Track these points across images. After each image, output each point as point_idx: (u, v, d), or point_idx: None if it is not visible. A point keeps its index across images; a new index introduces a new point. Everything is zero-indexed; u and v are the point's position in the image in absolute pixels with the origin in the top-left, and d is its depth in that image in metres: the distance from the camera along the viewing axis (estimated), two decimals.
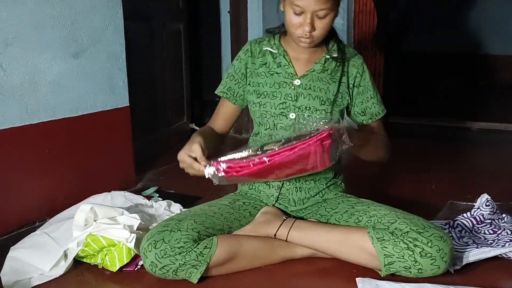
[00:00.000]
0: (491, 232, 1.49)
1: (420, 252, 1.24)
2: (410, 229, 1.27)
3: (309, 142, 1.25)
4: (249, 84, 1.52)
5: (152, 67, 2.70)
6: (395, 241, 1.27)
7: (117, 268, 1.37)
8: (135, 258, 1.41)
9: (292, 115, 1.47)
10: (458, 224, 1.53)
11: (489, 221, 1.54)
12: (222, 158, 1.30)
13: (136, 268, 1.41)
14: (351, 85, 1.51)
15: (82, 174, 1.91)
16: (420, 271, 1.25)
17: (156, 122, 2.80)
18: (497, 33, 5.00)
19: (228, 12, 3.13)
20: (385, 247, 1.27)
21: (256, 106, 1.50)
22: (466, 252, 1.34)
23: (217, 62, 3.44)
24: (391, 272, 1.28)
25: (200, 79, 3.52)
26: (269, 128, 1.50)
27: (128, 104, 2.10)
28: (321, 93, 1.46)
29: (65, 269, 1.36)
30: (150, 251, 1.27)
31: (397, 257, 1.26)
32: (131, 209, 1.55)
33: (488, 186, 2.12)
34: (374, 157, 1.49)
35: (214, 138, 1.52)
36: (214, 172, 1.30)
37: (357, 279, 1.28)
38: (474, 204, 1.76)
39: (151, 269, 1.28)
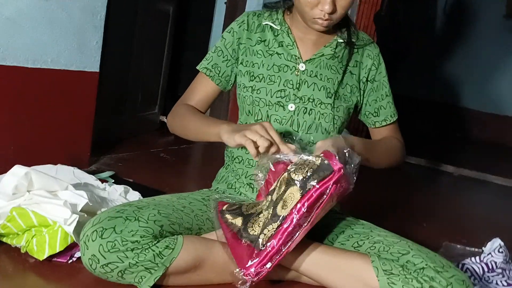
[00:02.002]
0: (505, 284, 1.26)
1: None
2: (426, 265, 1.02)
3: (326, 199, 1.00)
4: (241, 63, 1.25)
5: (130, 45, 2.41)
6: (406, 278, 1.00)
7: (45, 256, 1.05)
8: (72, 247, 1.09)
9: (291, 107, 1.21)
10: (467, 269, 1.30)
11: (500, 270, 1.31)
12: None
13: (70, 261, 1.09)
14: (363, 79, 1.28)
15: (25, 140, 1.58)
16: None
17: (124, 105, 2.50)
18: (476, 88, 5.00)
19: (225, 3, 2.88)
20: (393, 284, 1.01)
21: (247, 90, 1.23)
22: None
23: (201, 57, 3.18)
24: None
25: (180, 72, 3.26)
26: (261, 119, 1.23)
27: (98, 70, 1.78)
28: (328, 83, 1.22)
29: None
30: (93, 241, 0.96)
31: None
32: (78, 187, 1.23)
33: (484, 233, 1.94)
34: (383, 165, 1.26)
35: None
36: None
37: None
38: (476, 249, 1.56)
39: (90, 265, 0.97)
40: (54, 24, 1.59)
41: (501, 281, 1.27)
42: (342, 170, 0.99)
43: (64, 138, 1.74)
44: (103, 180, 1.61)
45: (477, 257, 1.35)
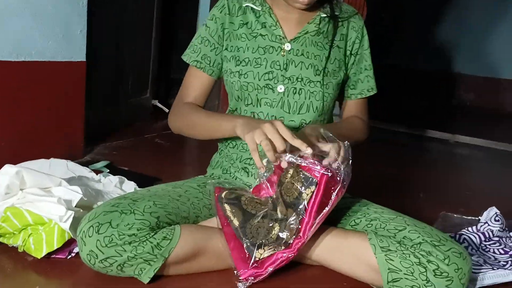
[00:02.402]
0: (502, 252, 1.27)
1: (434, 270, 0.99)
2: (423, 240, 1.02)
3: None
4: (226, 49, 1.23)
5: (117, 31, 2.36)
6: (403, 253, 1.01)
7: (44, 254, 1.05)
8: (70, 243, 1.09)
9: (280, 88, 1.19)
10: (465, 239, 1.31)
11: (497, 238, 1.33)
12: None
13: (69, 256, 1.09)
14: (348, 53, 1.26)
15: (16, 135, 1.57)
16: None
17: (116, 92, 2.47)
18: (469, 53, 4.95)
19: None
20: (391, 260, 1.02)
21: (234, 76, 1.21)
22: (480, 274, 1.12)
23: (190, 37, 3.13)
24: None
25: (170, 54, 3.22)
26: (251, 103, 1.22)
27: (85, 60, 1.75)
28: (316, 60, 1.20)
29: None
30: (90, 236, 0.96)
31: (404, 274, 1.00)
32: (72, 181, 1.23)
33: (481, 201, 1.94)
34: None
35: None
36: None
37: None
38: (473, 218, 1.57)
39: (89, 260, 0.97)
40: (37, 15, 1.56)
41: (498, 249, 1.28)
42: (324, 176, 1.00)
43: (56, 130, 1.72)
44: (98, 171, 1.60)
45: (474, 227, 1.36)
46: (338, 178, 1.01)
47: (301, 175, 1.02)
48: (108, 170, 1.68)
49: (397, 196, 1.81)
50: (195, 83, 1.27)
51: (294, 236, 1.03)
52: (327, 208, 1.02)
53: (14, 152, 1.53)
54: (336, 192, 1.02)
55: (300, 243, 1.02)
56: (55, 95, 1.68)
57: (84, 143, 1.88)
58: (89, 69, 1.81)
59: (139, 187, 1.45)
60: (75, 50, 1.71)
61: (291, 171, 1.04)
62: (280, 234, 1.03)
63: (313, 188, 1.01)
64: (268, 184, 1.08)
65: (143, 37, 2.63)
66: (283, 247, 1.03)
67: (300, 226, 1.02)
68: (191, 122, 1.23)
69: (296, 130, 1.17)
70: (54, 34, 1.63)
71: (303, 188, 1.01)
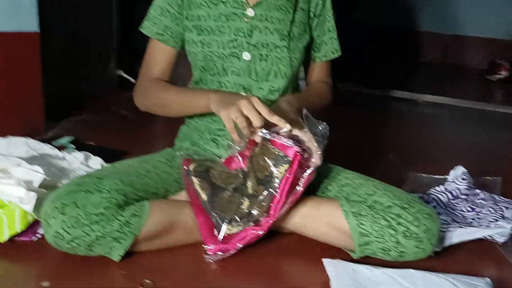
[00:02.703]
0: (469, 209, 1.30)
1: (404, 232, 1.00)
2: (392, 203, 1.03)
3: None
4: (186, 18, 1.18)
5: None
6: (374, 217, 1.02)
7: (6, 238, 1.02)
8: (34, 224, 1.06)
9: (246, 55, 1.16)
10: (433, 198, 1.33)
11: (464, 196, 1.36)
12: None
13: (35, 238, 1.06)
14: (311, 14, 1.23)
15: None
16: (401, 254, 1.02)
17: (77, 63, 2.37)
18: (435, 10, 4.96)
19: None
20: (362, 224, 1.03)
21: (197, 46, 1.17)
22: (448, 232, 1.14)
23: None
24: (366, 254, 1.05)
25: (133, 22, 3.10)
26: (217, 73, 1.18)
27: (38, 30, 1.66)
28: (280, 25, 1.17)
29: None
30: (54, 218, 0.93)
31: (375, 237, 1.02)
32: (34, 160, 1.18)
33: (449, 160, 1.98)
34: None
35: None
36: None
37: (324, 260, 1.02)
38: (441, 177, 1.60)
39: (56, 242, 0.94)
40: None
41: (465, 207, 1.32)
42: (298, 155, 1.00)
43: (14, 107, 1.65)
44: (61, 148, 1.55)
45: (442, 186, 1.38)
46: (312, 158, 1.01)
47: (275, 152, 1.00)
48: (73, 146, 1.63)
49: (366, 159, 1.82)
50: (159, 58, 1.22)
51: (265, 214, 1.02)
52: (298, 188, 1.01)
53: None
54: (308, 172, 1.01)
55: (270, 222, 1.02)
56: (9, 69, 1.60)
57: (45, 118, 1.80)
58: (46, 40, 1.72)
59: (106, 163, 1.41)
60: (25, 20, 1.62)
61: (264, 147, 1.02)
62: (251, 211, 1.02)
63: (286, 166, 1.00)
64: (240, 158, 1.06)
65: (103, 4, 2.52)
66: (252, 224, 1.02)
67: (271, 205, 1.01)
68: (160, 100, 1.19)
69: (269, 102, 1.15)
70: (3, 3, 1.53)
71: (275, 166, 1.00)
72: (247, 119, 0.99)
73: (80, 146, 1.65)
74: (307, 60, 1.30)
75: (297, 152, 0.99)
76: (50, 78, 1.87)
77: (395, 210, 1.02)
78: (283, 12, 1.18)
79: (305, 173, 1.02)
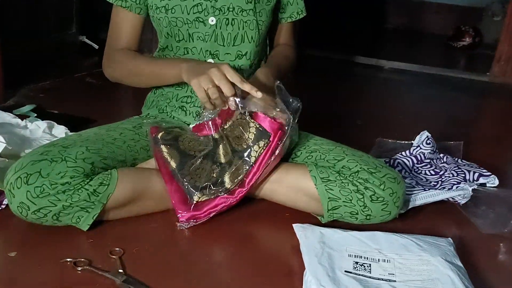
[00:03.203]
0: (433, 173, 1.34)
1: (371, 196, 1.03)
2: (360, 168, 1.05)
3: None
4: None
5: None
6: (342, 183, 1.04)
7: None
8: None
9: (212, 20, 1.13)
10: (398, 163, 1.36)
11: (428, 160, 1.40)
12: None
13: (0, 208, 1.03)
14: None
15: None
16: (368, 217, 1.05)
17: (35, 28, 2.27)
18: None
19: None
20: (330, 190, 1.04)
21: (160, 11, 1.13)
22: (413, 195, 1.18)
23: None
24: (334, 218, 1.07)
25: None
26: (183, 39, 1.15)
27: None
28: None
29: None
30: (19, 188, 0.90)
31: (343, 201, 1.04)
32: None
33: (414, 125, 2.02)
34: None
35: None
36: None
37: (294, 225, 1.04)
38: (406, 142, 1.64)
39: (21, 213, 0.92)
40: None
41: (429, 171, 1.36)
42: (280, 129, 1.00)
43: None
44: (23, 116, 1.50)
45: (407, 151, 1.42)
46: (287, 130, 1.02)
47: (256, 126, 1.00)
48: (36, 115, 1.57)
49: (335, 125, 1.84)
50: (125, 26, 1.18)
51: (238, 184, 1.02)
52: (272, 159, 1.02)
53: None
54: (282, 144, 1.02)
55: (243, 192, 1.03)
56: None
57: (3, 85, 1.73)
58: (4, 6, 1.62)
59: (70, 132, 1.38)
60: None
61: (243, 119, 1.01)
62: (223, 179, 1.02)
63: (266, 141, 1.00)
64: (211, 126, 1.05)
65: None
66: (223, 193, 1.03)
67: (246, 178, 1.02)
68: (129, 72, 1.17)
69: (236, 67, 1.14)
70: None
71: (255, 140, 1.00)
72: (219, 88, 0.97)
73: (43, 114, 1.60)
74: (274, 23, 1.28)
75: (279, 127, 0.99)
76: (9, 45, 1.78)
77: (363, 175, 1.04)
78: None
79: (280, 145, 1.02)
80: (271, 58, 1.26)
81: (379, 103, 2.42)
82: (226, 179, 1.03)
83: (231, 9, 1.14)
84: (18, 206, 0.91)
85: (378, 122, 2.07)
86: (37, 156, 0.94)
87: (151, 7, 1.15)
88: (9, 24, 1.80)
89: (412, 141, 1.47)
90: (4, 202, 1.04)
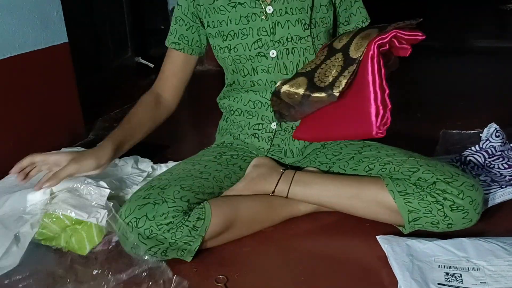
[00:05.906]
0: (506, 166, 1.35)
1: (450, 206, 1.06)
2: (437, 179, 1.09)
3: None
4: (208, 26, 1.21)
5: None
6: (420, 195, 1.08)
7: (88, 250, 1.11)
8: (107, 234, 1.15)
9: (273, 53, 1.19)
10: (470, 160, 1.38)
11: (500, 153, 1.40)
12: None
13: (110, 246, 1.16)
14: None
15: (19, 131, 1.57)
16: (449, 225, 1.08)
17: (98, 60, 2.41)
18: None
19: None
20: (409, 202, 1.09)
21: (224, 51, 1.21)
22: (491, 194, 1.20)
23: None
24: (416, 229, 1.12)
25: (143, 8, 3.09)
26: (248, 73, 1.23)
27: (67, 40, 1.71)
28: (301, 14, 1.19)
29: (20, 257, 1.08)
30: (131, 231, 1.02)
31: (423, 213, 1.08)
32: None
33: (475, 110, 2.00)
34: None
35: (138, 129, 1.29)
36: None
37: (378, 238, 1.10)
38: (471, 131, 1.64)
39: (134, 252, 1.04)
40: (10, 8, 1.50)
41: (502, 164, 1.36)
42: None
43: (55, 117, 1.72)
44: None
45: (477, 146, 1.42)
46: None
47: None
48: None
49: (397, 124, 1.86)
50: (169, 63, 1.29)
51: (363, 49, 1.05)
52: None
53: (22, 149, 1.53)
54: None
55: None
56: (45, 83, 1.66)
57: (84, 122, 1.87)
58: (71, 46, 1.76)
59: (153, 162, 1.49)
60: (55, 34, 1.67)
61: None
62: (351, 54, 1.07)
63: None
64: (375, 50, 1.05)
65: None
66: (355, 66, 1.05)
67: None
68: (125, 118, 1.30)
69: None
70: (31, 22, 1.58)
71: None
72: None
73: None
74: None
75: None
76: (80, 80, 1.92)
77: (440, 185, 1.07)
78: (301, 0, 1.19)
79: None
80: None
81: (435, 91, 2.38)
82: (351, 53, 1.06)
83: (289, 39, 1.19)
84: (132, 248, 1.03)
85: (438, 111, 2.05)
86: (141, 200, 1.05)
87: (214, 47, 1.23)
88: (80, 65, 1.93)
89: (477, 130, 1.47)
90: (113, 241, 1.16)
